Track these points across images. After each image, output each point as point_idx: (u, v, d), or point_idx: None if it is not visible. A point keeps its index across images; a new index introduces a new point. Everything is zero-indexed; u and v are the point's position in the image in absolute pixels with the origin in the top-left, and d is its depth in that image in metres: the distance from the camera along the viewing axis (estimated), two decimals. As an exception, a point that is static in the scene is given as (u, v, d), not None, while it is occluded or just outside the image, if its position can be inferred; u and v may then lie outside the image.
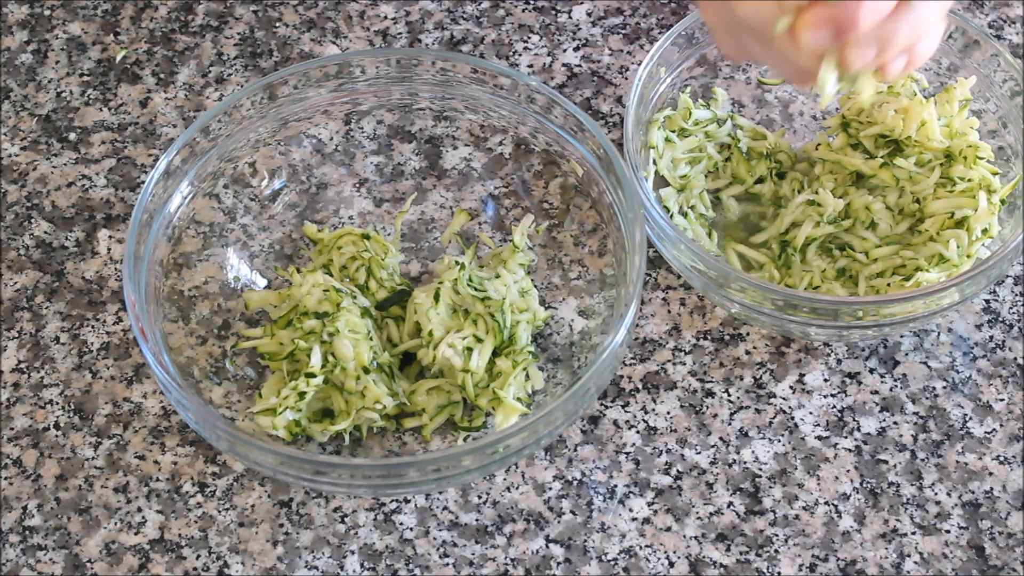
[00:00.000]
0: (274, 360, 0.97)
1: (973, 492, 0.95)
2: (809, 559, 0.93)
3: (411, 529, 0.94)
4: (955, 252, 0.97)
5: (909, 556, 0.93)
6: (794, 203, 1.01)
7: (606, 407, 0.98)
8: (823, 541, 0.93)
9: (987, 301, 1.01)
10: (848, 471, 0.96)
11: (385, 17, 1.15)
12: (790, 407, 0.98)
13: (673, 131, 1.03)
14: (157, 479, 0.96)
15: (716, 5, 0.81)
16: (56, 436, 0.98)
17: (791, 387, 0.99)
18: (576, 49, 1.12)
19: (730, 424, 0.97)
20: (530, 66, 1.11)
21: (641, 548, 0.93)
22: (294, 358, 0.96)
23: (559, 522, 0.94)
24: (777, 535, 0.94)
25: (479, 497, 0.95)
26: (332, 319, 0.95)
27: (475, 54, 1.12)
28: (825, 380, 0.99)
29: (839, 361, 0.99)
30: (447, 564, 0.93)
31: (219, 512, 0.95)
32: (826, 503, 0.95)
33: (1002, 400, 0.98)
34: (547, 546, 0.94)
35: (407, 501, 0.95)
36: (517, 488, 0.95)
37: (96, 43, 1.14)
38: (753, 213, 1.03)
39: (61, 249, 1.04)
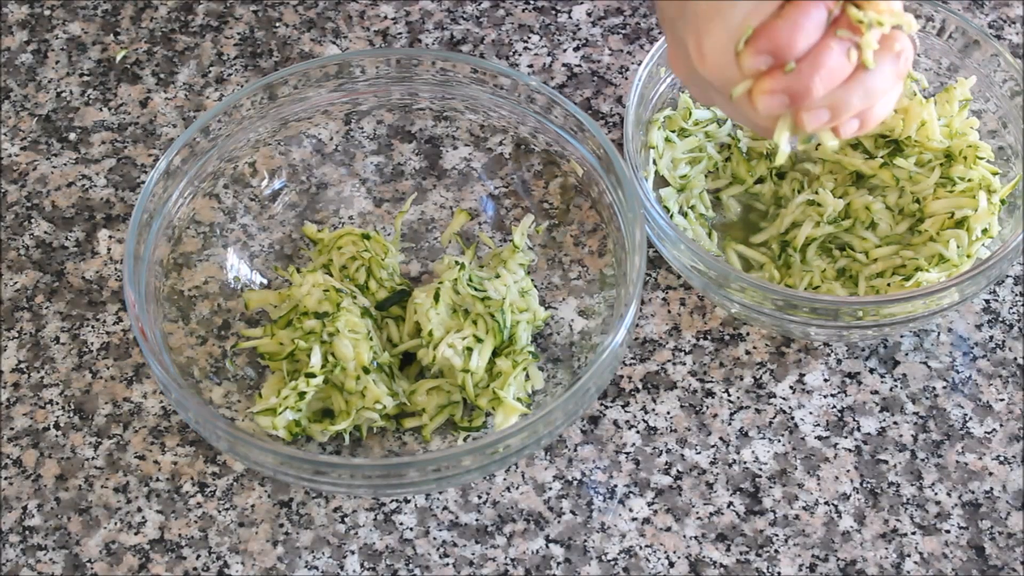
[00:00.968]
0: (274, 360, 0.97)
1: (973, 492, 0.95)
2: (809, 559, 0.93)
3: (411, 529, 0.94)
4: (955, 252, 0.97)
5: (909, 556, 0.93)
6: (794, 203, 1.01)
7: (606, 407, 0.98)
8: (823, 541, 0.93)
9: (987, 301, 1.01)
10: (848, 471, 0.95)
11: (385, 17, 1.15)
12: (790, 407, 0.98)
13: (673, 131, 1.02)
14: (157, 479, 0.96)
15: (684, 61, 0.83)
16: (56, 436, 0.98)
17: (791, 387, 0.98)
18: (576, 49, 1.12)
19: (730, 424, 0.97)
20: (530, 66, 1.11)
21: (641, 548, 0.93)
22: (294, 358, 0.96)
23: (559, 522, 0.94)
24: (777, 535, 0.94)
25: (479, 497, 0.95)
26: (332, 319, 0.95)
27: (475, 54, 1.12)
28: (825, 380, 0.99)
29: (839, 361, 0.99)
30: (447, 564, 0.93)
31: (219, 512, 0.95)
32: (826, 503, 0.95)
33: (1002, 400, 0.98)
34: (547, 546, 0.94)
35: (407, 501, 0.95)
36: (517, 488, 0.95)
37: (96, 43, 1.14)
38: (753, 213, 1.03)
39: (61, 249, 1.04)
